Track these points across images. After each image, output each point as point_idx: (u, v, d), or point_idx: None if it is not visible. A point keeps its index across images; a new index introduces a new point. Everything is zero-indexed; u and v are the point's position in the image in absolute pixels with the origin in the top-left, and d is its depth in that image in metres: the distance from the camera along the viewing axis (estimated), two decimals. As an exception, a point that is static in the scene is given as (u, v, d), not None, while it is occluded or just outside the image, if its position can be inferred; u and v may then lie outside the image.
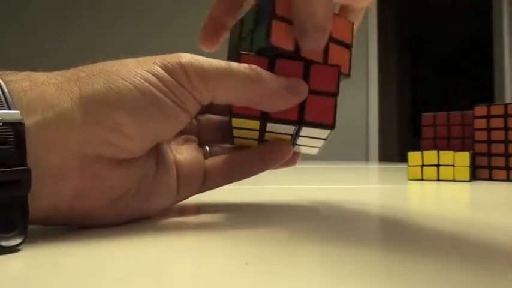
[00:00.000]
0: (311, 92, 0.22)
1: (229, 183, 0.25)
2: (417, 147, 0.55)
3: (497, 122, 0.49)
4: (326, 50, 0.23)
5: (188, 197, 0.25)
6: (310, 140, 0.25)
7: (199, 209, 0.27)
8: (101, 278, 0.13)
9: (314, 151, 0.27)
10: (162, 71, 0.19)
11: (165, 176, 0.22)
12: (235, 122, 0.23)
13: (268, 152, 0.25)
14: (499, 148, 0.49)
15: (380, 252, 0.17)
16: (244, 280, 0.13)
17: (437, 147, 0.56)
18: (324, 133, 0.24)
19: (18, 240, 0.15)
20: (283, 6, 0.22)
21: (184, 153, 0.24)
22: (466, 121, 0.55)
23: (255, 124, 0.23)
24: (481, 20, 2.79)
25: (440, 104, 3.34)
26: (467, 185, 0.45)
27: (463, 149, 0.54)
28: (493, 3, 2.46)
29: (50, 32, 2.28)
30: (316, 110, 0.23)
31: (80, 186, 0.18)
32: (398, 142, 3.21)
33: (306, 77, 0.23)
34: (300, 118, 0.22)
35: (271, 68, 0.22)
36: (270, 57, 0.22)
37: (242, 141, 0.26)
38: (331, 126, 0.23)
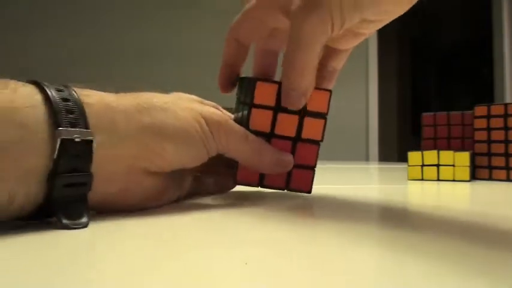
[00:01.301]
0: (296, 166, 0.29)
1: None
2: (417, 147, 0.55)
3: (497, 122, 0.49)
4: (301, 124, 0.29)
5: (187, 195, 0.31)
6: None
7: (198, 209, 0.28)
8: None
9: None
10: (204, 122, 0.26)
11: (182, 182, 0.28)
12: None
13: (216, 184, 0.33)
14: (499, 148, 0.49)
15: (380, 252, 0.17)
16: (244, 280, 0.13)
17: (437, 147, 0.56)
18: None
19: (84, 222, 0.20)
20: (262, 95, 0.28)
21: None
22: (466, 121, 0.55)
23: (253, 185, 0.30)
24: (481, 20, 2.79)
25: (440, 104, 3.34)
26: (467, 185, 0.45)
27: (463, 149, 0.54)
28: (493, 3, 2.46)
29: (56, 30, 2.28)
30: (298, 180, 0.30)
31: (123, 187, 0.23)
32: (398, 142, 3.21)
33: (292, 153, 0.29)
34: (286, 185, 0.30)
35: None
36: (267, 136, 0.29)
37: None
38: (308, 191, 0.30)
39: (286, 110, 0.28)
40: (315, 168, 0.30)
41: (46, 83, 0.21)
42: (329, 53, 0.32)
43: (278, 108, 0.29)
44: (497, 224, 0.23)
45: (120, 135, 0.22)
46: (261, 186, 0.30)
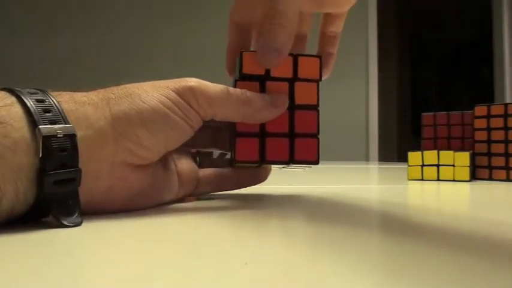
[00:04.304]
0: (297, 135, 0.28)
1: (215, 192, 0.32)
2: (417, 147, 0.55)
3: (497, 122, 0.49)
4: (292, 90, 0.28)
5: (185, 196, 0.30)
6: (299, 167, 0.31)
7: (198, 209, 0.28)
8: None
9: (301, 169, 0.34)
10: (174, 95, 0.24)
11: (169, 180, 0.27)
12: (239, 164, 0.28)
13: (251, 175, 0.31)
14: (499, 148, 0.49)
15: (380, 252, 0.17)
16: (244, 280, 0.13)
17: (437, 147, 0.56)
18: (309, 165, 0.29)
19: (78, 220, 0.20)
20: (250, 65, 0.28)
21: (183, 163, 0.29)
22: (466, 121, 0.55)
23: (254, 164, 0.29)
24: (481, 20, 2.79)
25: (440, 104, 3.34)
26: (467, 185, 0.45)
27: (463, 149, 0.54)
28: (493, 3, 2.46)
29: (57, 32, 2.28)
30: (302, 150, 0.28)
31: (108, 185, 0.23)
32: (398, 142, 3.21)
33: (291, 123, 0.28)
34: (291, 158, 0.28)
35: (262, 89, 0.28)
36: (260, 81, 0.28)
37: (242, 165, 0.30)
38: (315, 162, 0.28)
39: (274, 79, 0.28)
40: (319, 137, 0.29)
41: (18, 88, 0.21)
42: (325, 19, 0.34)
43: (266, 77, 0.28)
44: (498, 225, 0.23)
45: (95, 128, 0.22)
46: (263, 163, 0.28)
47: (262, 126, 0.28)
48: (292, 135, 0.28)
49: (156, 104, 0.23)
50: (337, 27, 0.34)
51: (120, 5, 2.32)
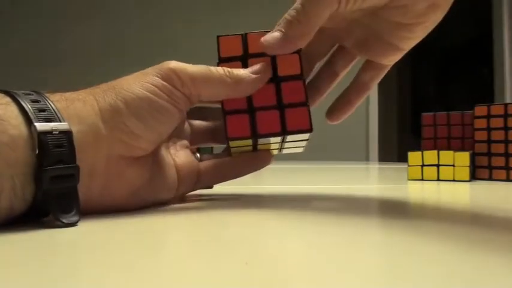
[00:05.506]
0: (286, 105, 0.27)
1: (218, 183, 0.31)
2: (417, 147, 0.55)
3: (497, 122, 0.49)
4: (275, 63, 0.28)
5: (186, 193, 0.30)
6: (296, 143, 0.30)
7: (198, 209, 0.28)
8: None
9: (300, 150, 0.32)
10: (158, 79, 0.24)
11: (167, 175, 0.27)
12: (232, 143, 0.28)
13: (252, 159, 0.30)
14: (499, 148, 0.49)
15: (381, 251, 0.17)
16: (244, 280, 0.13)
17: (437, 147, 0.56)
18: (305, 136, 0.28)
19: (75, 219, 0.20)
20: (227, 48, 0.28)
21: (181, 157, 0.29)
22: (466, 121, 0.55)
23: (248, 142, 0.28)
24: (481, 20, 2.79)
25: (440, 104, 3.34)
26: (467, 185, 0.45)
27: (463, 149, 0.54)
28: (493, 3, 2.46)
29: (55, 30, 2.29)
30: (294, 120, 0.27)
31: (106, 181, 0.23)
32: (398, 142, 3.21)
33: (278, 95, 0.28)
34: (283, 129, 0.27)
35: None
36: (242, 61, 0.28)
37: (239, 151, 0.30)
38: (309, 130, 0.28)
39: (254, 56, 0.28)
40: (308, 104, 0.28)
41: (13, 91, 0.21)
42: (365, 66, 0.33)
43: (246, 56, 0.28)
44: (497, 225, 0.23)
45: (87, 123, 0.22)
46: (256, 137, 0.28)
47: (250, 101, 0.28)
48: (281, 106, 0.28)
49: (140, 91, 0.24)
50: (370, 79, 0.34)
51: (118, 4, 2.31)
